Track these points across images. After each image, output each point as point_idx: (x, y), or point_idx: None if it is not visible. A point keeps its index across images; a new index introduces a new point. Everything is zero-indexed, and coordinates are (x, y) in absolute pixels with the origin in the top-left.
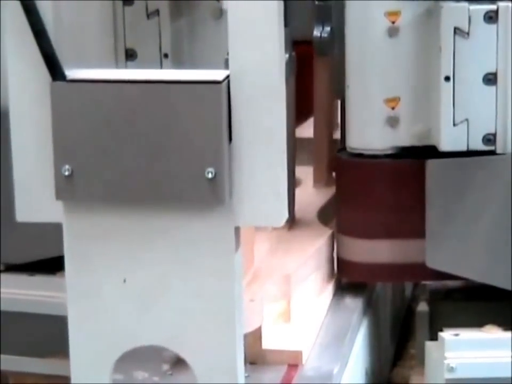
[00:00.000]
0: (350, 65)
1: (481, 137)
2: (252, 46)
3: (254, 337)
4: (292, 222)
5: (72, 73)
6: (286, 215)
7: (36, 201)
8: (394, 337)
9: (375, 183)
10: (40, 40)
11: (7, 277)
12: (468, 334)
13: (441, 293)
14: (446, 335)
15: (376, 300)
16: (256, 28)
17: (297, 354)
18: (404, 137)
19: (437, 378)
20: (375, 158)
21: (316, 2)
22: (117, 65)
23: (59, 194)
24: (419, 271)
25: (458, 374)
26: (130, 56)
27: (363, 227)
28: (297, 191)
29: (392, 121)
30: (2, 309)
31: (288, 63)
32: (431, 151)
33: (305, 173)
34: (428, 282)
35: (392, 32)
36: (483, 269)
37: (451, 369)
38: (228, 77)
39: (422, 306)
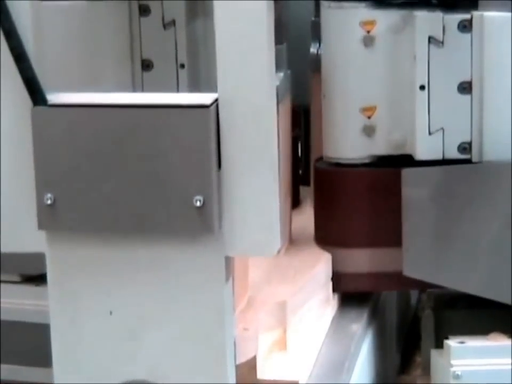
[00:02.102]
0: (326, 74)
1: (456, 146)
2: (240, 69)
3: (248, 367)
4: (289, 244)
5: (54, 97)
6: (278, 245)
7: (19, 231)
8: (400, 346)
9: (352, 192)
10: (21, 64)
11: (11, 287)
12: (473, 342)
13: (446, 301)
14: (452, 342)
15: (381, 309)
16: (245, 50)
17: None
18: (380, 146)
19: None
20: (352, 167)
21: (312, 19)
22: (133, 76)
23: (41, 224)
24: (398, 279)
25: (464, 381)
26: (146, 66)
27: (341, 236)
28: (295, 212)
29: (369, 130)
30: (5, 318)
31: (283, 81)
32: (408, 160)
33: (304, 191)
34: (433, 290)
35: (368, 41)
36: (460, 277)
37: (457, 377)
38: (216, 100)
39: (427, 314)
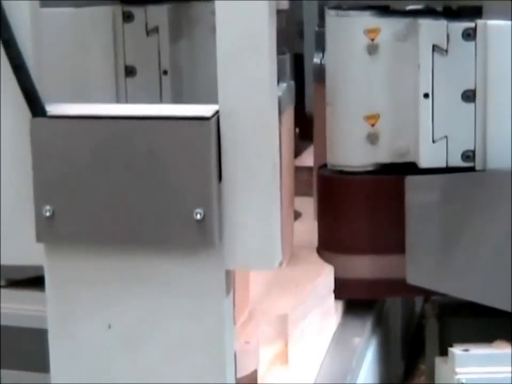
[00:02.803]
0: (330, 82)
1: (460, 154)
2: (241, 80)
3: (249, 381)
4: (290, 257)
5: (53, 108)
6: (279, 258)
7: (18, 243)
8: (404, 353)
9: (355, 199)
10: (20, 75)
11: (9, 292)
12: (477, 349)
13: (450, 308)
14: (456, 350)
15: (385, 317)
16: (246, 61)
17: None
18: (384, 154)
19: None
20: (356, 174)
21: (316, 29)
22: (117, 82)
23: (40, 236)
24: (401, 286)
25: None
26: (130, 72)
27: (344, 243)
28: (297, 224)
29: (372, 138)
30: (4, 323)
31: (286, 92)
32: (411, 168)
33: (306, 203)
34: (437, 298)
35: (372, 49)
36: (462, 284)
37: None
38: (217, 112)
39: (432, 322)
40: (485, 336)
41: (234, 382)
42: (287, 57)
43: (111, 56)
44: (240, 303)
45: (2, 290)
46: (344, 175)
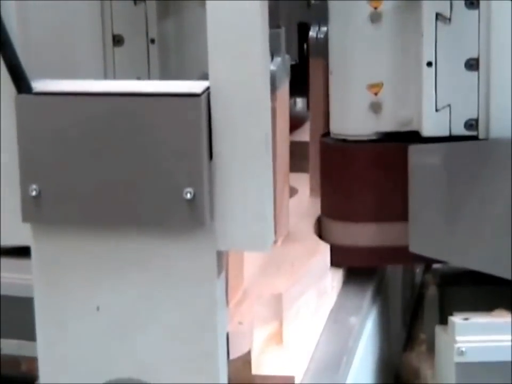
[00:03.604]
0: (333, 51)
1: (463, 123)
2: (233, 55)
3: (243, 362)
4: (286, 235)
5: (39, 85)
6: (272, 238)
7: (4, 223)
8: (405, 323)
9: (358, 168)
10: (5, 50)
11: (9, 262)
12: (477, 318)
13: (450, 277)
14: (456, 319)
15: (386, 286)
16: (238, 36)
17: (290, 379)
18: (387, 122)
19: (447, 362)
20: (359, 143)
21: (312, 2)
22: (104, 51)
23: (26, 216)
24: (404, 254)
25: (468, 358)
26: (117, 42)
27: (347, 210)
28: (293, 201)
29: (375, 107)
30: (4, 293)
31: (281, 67)
32: (414, 136)
33: (302, 179)
34: (437, 267)
35: (375, 17)
36: (465, 253)
37: (461, 353)
38: (208, 88)
39: (432, 291)
40: (485, 305)
41: (226, 364)
42: (282, 31)
43: (99, 26)
44: (234, 283)
45: (2, 259)
46: (347, 144)
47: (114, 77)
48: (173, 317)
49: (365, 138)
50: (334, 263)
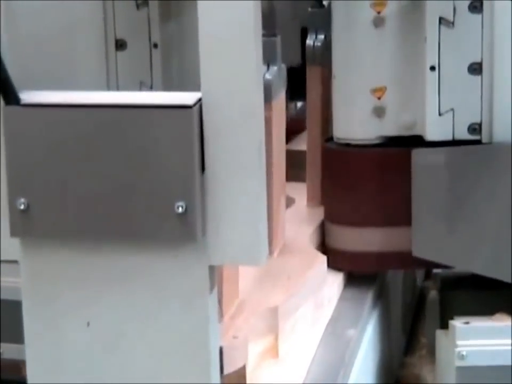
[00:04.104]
0: (336, 55)
1: (466, 127)
2: (225, 67)
3: (238, 377)
4: (282, 246)
5: (27, 96)
6: (266, 253)
7: (4, 237)
8: (405, 327)
9: (361, 172)
10: None
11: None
12: (478, 322)
13: (451, 282)
14: (457, 323)
15: (387, 290)
16: (230, 45)
17: None
18: (390, 127)
19: (448, 366)
20: (362, 147)
21: (309, 9)
22: (107, 56)
23: (14, 231)
24: (407, 259)
25: (469, 362)
26: (120, 46)
27: (351, 216)
28: (289, 212)
29: (379, 111)
30: (4, 297)
31: (277, 76)
32: (418, 141)
33: (299, 189)
34: (438, 271)
35: (378, 22)
36: (468, 257)
37: (462, 357)
38: (200, 100)
39: (433, 295)
40: (486, 309)
41: (218, 381)
42: (278, 40)
43: (102, 30)
44: (228, 295)
45: (2, 264)
46: (350, 148)
47: (117, 81)
48: (164, 333)
49: (368, 142)
50: (338, 268)
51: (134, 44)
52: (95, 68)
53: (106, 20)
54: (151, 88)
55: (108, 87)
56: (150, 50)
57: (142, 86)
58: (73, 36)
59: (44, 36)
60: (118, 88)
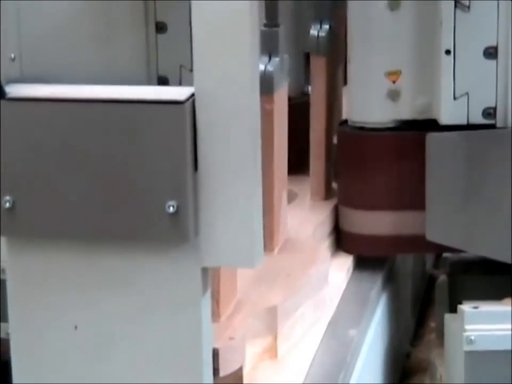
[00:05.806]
0: (352, 38)
1: (481, 111)
2: (219, 60)
3: (234, 379)
4: (283, 243)
5: (14, 90)
6: (261, 254)
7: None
8: (415, 311)
9: (376, 156)
10: None
11: None
12: (487, 307)
13: (461, 266)
14: (466, 307)
15: (396, 274)
16: (225, 38)
17: None
18: (405, 110)
19: (456, 350)
20: (376, 131)
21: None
22: (147, 38)
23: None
24: (420, 242)
25: (477, 346)
26: (160, 29)
27: (365, 199)
28: (292, 206)
29: (393, 95)
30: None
31: (279, 67)
32: (432, 125)
33: (302, 183)
34: (448, 255)
35: (394, 5)
36: (483, 242)
37: (470, 342)
38: (192, 95)
39: (442, 280)
40: (494, 294)
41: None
42: (280, 30)
43: (142, 13)
44: (226, 294)
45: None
46: (365, 132)
47: (157, 64)
48: (154, 336)
49: (383, 126)
50: (351, 251)
51: (175, 27)
52: (135, 51)
53: (146, 2)
54: (191, 71)
55: (148, 70)
56: (191, 34)
57: (182, 69)
58: (113, 19)
59: (82, 20)
60: (158, 72)
